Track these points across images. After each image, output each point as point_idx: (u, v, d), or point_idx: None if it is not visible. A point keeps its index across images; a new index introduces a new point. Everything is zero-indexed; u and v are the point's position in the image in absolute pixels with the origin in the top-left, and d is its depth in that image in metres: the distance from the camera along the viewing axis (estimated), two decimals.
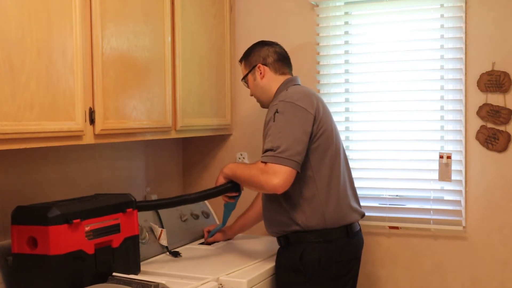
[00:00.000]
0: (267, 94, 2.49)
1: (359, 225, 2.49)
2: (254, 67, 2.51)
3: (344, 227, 2.36)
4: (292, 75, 2.54)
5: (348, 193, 2.43)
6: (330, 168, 2.35)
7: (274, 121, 2.26)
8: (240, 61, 2.61)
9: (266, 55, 2.51)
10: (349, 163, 3.02)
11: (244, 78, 2.57)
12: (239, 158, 3.22)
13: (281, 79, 2.48)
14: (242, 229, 2.87)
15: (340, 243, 2.35)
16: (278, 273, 2.42)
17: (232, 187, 2.47)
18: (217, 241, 2.83)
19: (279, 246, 2.44)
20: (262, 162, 2.23)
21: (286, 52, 2.57)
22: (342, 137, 3.00)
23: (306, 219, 2.31)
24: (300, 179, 2.27)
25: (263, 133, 2.38)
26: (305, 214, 2.31)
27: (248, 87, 2.59)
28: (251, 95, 2.59)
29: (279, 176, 2.17)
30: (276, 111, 2.27)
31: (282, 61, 2.53)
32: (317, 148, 2.31)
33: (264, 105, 2.55)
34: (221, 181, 2.45)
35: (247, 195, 2.74)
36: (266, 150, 2.23)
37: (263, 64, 2.49)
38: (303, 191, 2.31)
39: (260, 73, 2.49)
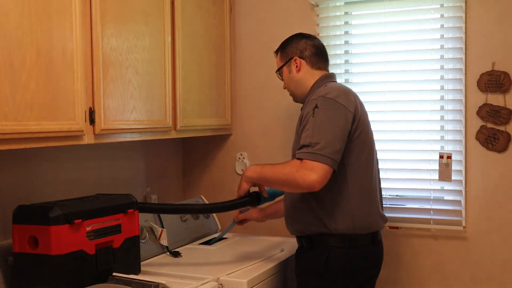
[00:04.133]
0: (301, 88, 2.42)
1: (381, 233, 2.43)
2: (290, 59, 2.43)
3: (371, 234, 2.31)
4: (328, 70, 2.48)
5: (377, 199, 2.37)
6: (364, 170, 2.29)
7: (313, 116, 2.17)
8: (276, 52, 2.53)
9: (304, 48, 2.43)
10: None
11: (279, 70, 2.49)
12: (239, 158, 3.22)
13: (317, 74, 2.41)
14: (275, 215, 2.71)
15: (365, 250, 2.29)
16: (300, 276, 2.36)
17: (251, 201, 2.40)
18: (248, 220, 2.79)
19: (299, 246, 2.38)
20: (297, 158, 2.14)
21: (324, 46, 2.50)
22: None
23: (334, 221, 2.24)
24: (332, 179, 2.17)
25: (297, 128, 2.31)
26: (334, 217, 2.24)
27: (281, 79, 2.51)
28: (284, 88, 2.51)
29: (316, 172, 2.09)
30: (316, 106, 2.18)
31: (320, 55, 2.45)
32: (353, 148, 2.24)
33: (297, 99, 2.49)
34: (245, 187, 2.34)
35: None
36: (303, 146, 2.15)
37: (299, 57, 2.41)
38: (335, 192, 2.24)
39: (296, 66, 2.41)
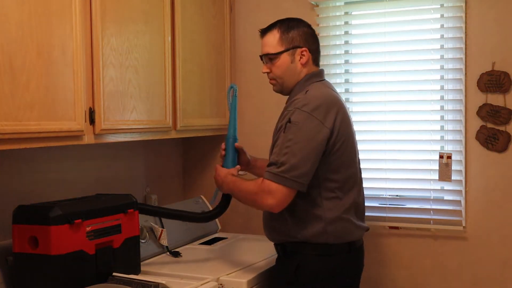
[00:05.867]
0: (293, 82, 2.25)
1: (362, 239, 2.33)
2: (296, 48, 2.22)
3: (347, 243, 2.20)
4: (319, 65, 2.34)
5: (355, 210, 2.23)
6: (341, 185, 2.17)
7: (284, 131, 2.07)
8: (268, 30, 2.27)
9: (312, 41, 2.27)
10: None
11: (275, 54, 2.23)
12: None
13: (312, 69, 2.27)
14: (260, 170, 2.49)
15: (340, 259, 2.18)
16: (272, 285, 2.32)
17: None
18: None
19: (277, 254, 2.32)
20: (263, 178, 2.09)
21: None
22: None
23: (307, 232, 2.15)
24: (306, 194, 2.11)
25: (274, 133, 2.22)
26: (306, 229, 2.15)
27: (270, 64, 2.26)
28: (271, 76, 2.28)
29: (275, 197, 2.05)
30: (289, 120, 2.08)
31: (319, 50, 2.33)
32: (331, 162, 2.13)
33: (283, 91, 2.30)
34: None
35: None
36: (271, 164, 2.09)
37: (309, 50, 2.24)
38: (308, 206, 2.15)
39: (301, 58, 2.22)
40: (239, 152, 2.46)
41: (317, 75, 2.27)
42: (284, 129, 2.09)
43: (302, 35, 2.24)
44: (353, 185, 2.22)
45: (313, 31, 2.30)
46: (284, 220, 2.19)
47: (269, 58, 2.25)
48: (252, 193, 2.14)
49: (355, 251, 2.24)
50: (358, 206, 2.25)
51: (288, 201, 2.08)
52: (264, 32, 2.29)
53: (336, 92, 2.29)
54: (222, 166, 2.39)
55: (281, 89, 2.30)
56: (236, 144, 2.43)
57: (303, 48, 2.23)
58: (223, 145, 2.45)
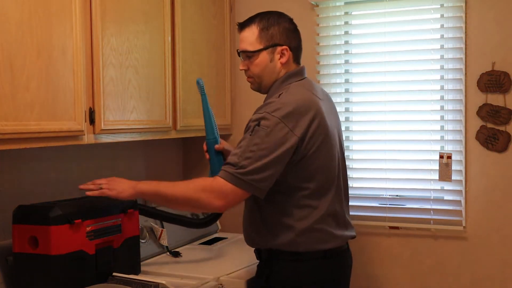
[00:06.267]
0: (271, 81, 2.13)
1: (346, 244, 2.19)
2: (275, 46, 2.09)
3: (322, 250, 2.06)
4: (300, 63, 2.20)
5: (335, 218, 2.10)
6: (313, 192, 2.03)
7: (251, 133, 1.96)
8: (245, 25, 2.13)
9: (293, 37, 2.13)
10: (349, 164, 3.03)
11: (253, 52, 2.10)
12: None
13: (291, 67, 2.14)
14: None
15: (314, 263, 2.05)
16: None
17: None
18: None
19: None
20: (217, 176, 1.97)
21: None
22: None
23: (278, 241, 2.04)
24: (277, 202, 2.03)
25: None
26: (277, 238, 2.04)
27: (248, 61, 2.13)
28: (249, 74, 2.16)
29: (227, 198, 1.94)
30: (258, 123, 1.96)
31: (301, 47, 2.19)
32: (301, 171, 2.01)
33: (261, 89, 2.18)
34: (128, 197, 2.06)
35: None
36: (228, 163, 1.96)
37: (289, 48, 2.11)
38: (279, 215, 2.04)
39: (281, 57, 2.10)
40: (223, 153, 2.28)
41: (297, 74, 2.13)
42: (251, 131, 1.97)
43: (283, 32, 2.10)
44: (328, 192, 2.07)
45: (294, 26, 2.16)
46: (258, 228, 2.11)
47: (247, 55, 2.12)
48: (195, 191, 1.98)
49: (332, 257, 2.08)
50: (336, 214, 2.10)
51: (238, 202, 2.00)
52: (242, 26, 2.14)
53: (315, 93, 2.11)
54: (210, 171, 2.24)
55: (259, 87, 2.18)
56: (217, 146, 2.26)
57: (284, 47, 2.10)
58: (204, 146, 2.30)
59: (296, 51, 2.15)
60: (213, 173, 2.19)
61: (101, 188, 2.03)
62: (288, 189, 2.03)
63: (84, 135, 2.10)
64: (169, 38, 2.59)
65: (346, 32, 3.03)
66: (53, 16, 1.93)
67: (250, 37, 2.10)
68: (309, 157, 2.00)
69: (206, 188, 1.97)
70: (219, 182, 1.95)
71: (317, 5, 3.02)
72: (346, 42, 3.03)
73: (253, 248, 2.21)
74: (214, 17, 3.00)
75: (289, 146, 1.95)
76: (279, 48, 2.09)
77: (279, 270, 2.07)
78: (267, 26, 2.10)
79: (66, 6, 1.98)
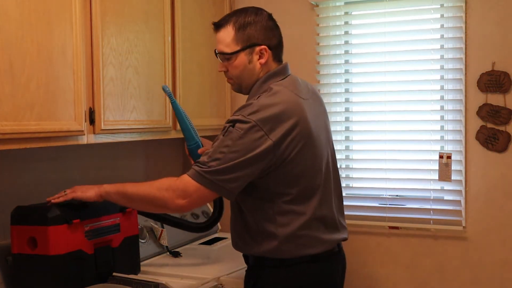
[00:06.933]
0: (251, 82, 2.02)
1: (338, 246, 2.09)
2: (253, 46, 1.97)
3: (308, 255, 1.97)
4: (282, 60, 2.07)
5: (323, 222, 2.00)
6: (296, 197, 1.94)
7: (224, 134, 1.87)
8: (220, 25, 2.00)
9: (273, 35, 2.00)
10: (349, 164, 3.03)
11: (230, 54, 1.98)
12: None
13: (272, 66, 2.01)
14: None
15: (300, 268, 1.96)
16: None
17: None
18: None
19: None
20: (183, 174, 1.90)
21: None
22: (342, 137, 3.02)
23: (261, 249, 1.97)
24: (259, 208, 1.95)
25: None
26: (261, 246, 1.96)
27: (227, 62, 2.02)
28: (229, 76, 2.05)
29: (191, 196, 1.87)
30: (232, 125, 1.87)
31: (282, 44, 2.05)
32: (282, 176, 1.91)
33: (241, 89, 2.07)
34: (94, 199, 2.02)
35: None
36: (198, 162, 1.89)
37: (268, 47, 1.98)
38: (261, 222, 1.96)
39: (259, 58, 1.98)
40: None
41: (278, 73, 2.01)
42: (225, 132, 1.88)
43: (261, 31, 1.97)
44: (313, 196, 1.97)
45: (273, 22, 2.02)
46: (242, 235, 2.04)
47: (224, 57, 2.01)
48: (159, 189, 1.92)
49: (320, 261, 1.99)
50: (324, 218, 2.00)
51: (204, 203, 1.95)
52: (217, 27, 2.01)
53: (298, 93, 2.00)
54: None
55: (240, 89, 2.07)
56: (200, 150, 2.14)
57: (262, 46, 1.97)
58: (186, 151, 2.20)
59: (276, 49, 2.02)
60: None
61: (65, 194, 2.01)
62: (270, 195, 1.94)
63: (84, 135, 2.10)
64: (169, 38, 2.59)
65: (346, 32, 3.03)
66: (53, 16, 1.93)
67: (226, 38, 1.98)
68: (289, 162, 1.90)
69: (171, 186, 1.90)
70: (183, 180, 1.89)
71: (317, 5, 3.02)
72: (346, 42, 3.03)
73: None
74: (214, 17, 2.99)
75: (262, 149, 1.85)
76: (257, 48, 1.97)
77: (266, 276, 2.00)
78: (244, 26, 1.97)
79: (66, 6, 1.98)
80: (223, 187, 1.86)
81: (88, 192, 2.02)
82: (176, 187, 1.89)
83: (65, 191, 2.04)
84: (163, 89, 2.15)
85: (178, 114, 2.16)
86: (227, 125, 1.89)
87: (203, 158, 1.88)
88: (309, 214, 1.95)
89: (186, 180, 1.88)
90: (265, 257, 1.97)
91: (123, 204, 2.07)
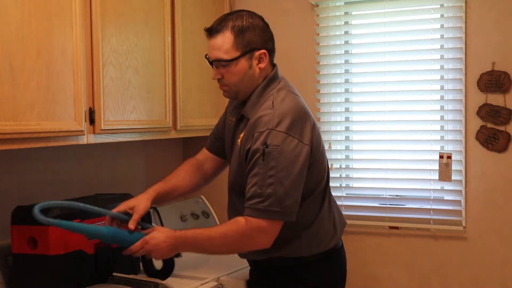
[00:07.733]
0: (250, 89, 1.95)
1: (341, 241, 2.12)
2: (252, 51, 1.90)
3: (323, 252, 1.99)
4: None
5: (329, 221, 2.02)
6: (310, 201, 1.94)
7: (263, 160, 1.79)
8: (216, 31, 1.89)
9: (268, 38, 1.94)
10: (349, 164, 3.04)
11: (231, 61, 1.89)
12: None
13: (268, 72, 1.97)
14: (165, 198, 2.21)
15: (319, 266, 1.98)
16: None
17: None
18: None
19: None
20: (246, 215, 1.81)
21: None
22: (342, 137, 3.03)
23: (276, 252, 1.93)
24: None
25: (239, 154, 1.91)
26: (279, 249, 1.93)
27: (223, 69, 1.92)
28: (224, 83, 1.96)
29: (268, 234, 1.81)
30: (265, 145, 1.79)
31: (274, 48, 1.99)
32: (309, 178, 1.91)
33: (238, 96, 1.99)
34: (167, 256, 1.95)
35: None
36: (252, 197, 1.80)
37: (267, 51, 1.93)
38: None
39: (258, 62, 1.92)
40: (130, 213, 1.95)
41: (276, 77, 1.98)
42: (262, 157, 1.79)
43: (259, 35, 1.91)
44: (326, 192, 2.01)
45: (266, 24, 1.96)
46: None
47: (221, 64, 1.91)
48: (235, 240, 1.85)
49: (332, 255, 2.03)
50: (329, 215, 2.04)
51: (279, 231, 1.86)
52: (213, 32, 1.91)
53: (296, 92, 2.00)
54: (123, 249, 1.88)
55: (236, 95, 1.99)
56: (131, 225, 1.89)
57: (262, 51, 1.91)
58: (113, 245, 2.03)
59: (271, 52, 1.97)
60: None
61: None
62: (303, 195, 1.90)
63: (84, 135, 2.10)
64: (169, 38, 2.59)
65: (346, 32, 3.03)
66: (53, 16, 1.93)
67: (225, 44, 1.88)
68: (316, 163, 1.91)
69: (245, 232, 1.82)
70: (253, 222, 1.80)
71: (317, 5, 3.02)
72: (346, 42, 3.03)
73: None
74: (214, 17, 2.95)
75: (304, 158, 1.83)
76: (256, 53, 1.90)
77: (283, 279, 1.99)
78: (242, 30, 1.88)
79: (66, 6, 1.99)
80: (288, 212, 1.82)
81: (162, 251, 1.90)
82: (250, 232, 1.81)
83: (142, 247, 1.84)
84: (34, 214, 1.73)
85: (78, 228, 1.84)
86: (261, 147, 1.80)
87: (255, 191, 1.79)
88: (325, 213, 2.00)
89: (255, 221, 1.80)
90: (283, 257, 1.95)
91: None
